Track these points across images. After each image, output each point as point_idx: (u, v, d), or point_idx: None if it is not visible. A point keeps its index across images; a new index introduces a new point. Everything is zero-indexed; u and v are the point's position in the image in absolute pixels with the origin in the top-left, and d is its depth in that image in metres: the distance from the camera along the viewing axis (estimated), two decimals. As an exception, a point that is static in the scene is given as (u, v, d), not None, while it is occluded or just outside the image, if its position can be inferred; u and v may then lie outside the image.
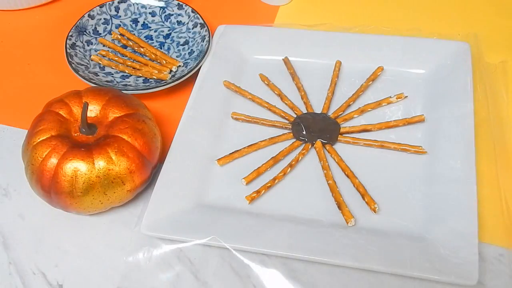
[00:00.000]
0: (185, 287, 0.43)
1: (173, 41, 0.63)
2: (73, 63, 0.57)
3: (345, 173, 0.49)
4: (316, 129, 0.52)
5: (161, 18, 0.64)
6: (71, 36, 0.60)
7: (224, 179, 0.50)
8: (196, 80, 0.56)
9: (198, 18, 0.62)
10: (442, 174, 0.47)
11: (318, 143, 0.51)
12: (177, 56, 0.61)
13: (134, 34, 0.63)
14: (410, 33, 0.58)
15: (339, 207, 0.46)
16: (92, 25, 0.62)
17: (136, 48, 0.62)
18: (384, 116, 0.53)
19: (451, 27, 0.61)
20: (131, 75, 0.59)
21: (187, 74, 0.56)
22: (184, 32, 0.63)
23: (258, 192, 0.47)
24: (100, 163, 0.43)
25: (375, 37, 0.58)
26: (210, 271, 0.44)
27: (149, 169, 0.47)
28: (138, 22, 0.64)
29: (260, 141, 0.51)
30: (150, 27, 0.64)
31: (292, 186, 0.49)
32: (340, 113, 0.54)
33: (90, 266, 0.45)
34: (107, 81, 0.58)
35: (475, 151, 0.47)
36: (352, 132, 0.52)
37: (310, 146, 0.51)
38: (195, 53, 0.59)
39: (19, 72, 0.62)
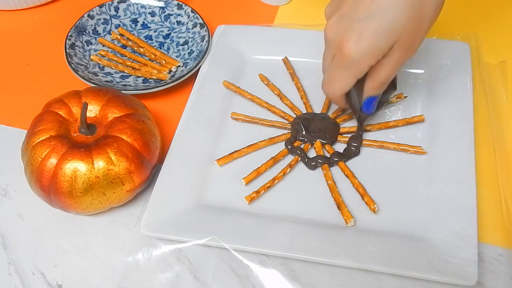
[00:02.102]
0: (184, 287, 0.43)
1: (173, 41, 0.63)
2: (72, 63, 0.57)
3: (344, 173, 0.49)
4: (316, 129, 0.52)
5: (161, 18, 0.64)
6: (71, 36, 0.60)
7: (223, 179, 0.50)
8: (196, 80, 0.56)
9: (198, 18, 0.62)
10: (442, 174, 0.47)
11: (318, 143, 0.51)
12: (176, 56, 0.61)
13: (133, 34, 0.63)
14: (409, 33, 0.58)
15: (339, 207, 0.46)
16: (92, 25, 0.62)
17: (135, 48, 0.62)
18: (383, 116, 0.53)
19: (451, 27, 0.61)
20: (130, 75, 0.59)
21: (186, 74, 0.56)
22: (183, 32, 0.63)
23: (257, 192, 0.47)
24: (100, 163, 0.43)
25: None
26: (209, 272, 0.44)
27: (149, 169, 0.47)
28: (138, 22, 0.64)
29: (260, 141, 0.51)
30: (149, 27, 0.64)
31: (291, 186, 0.49)
32: (340, 113, 0.54)
33: (90, 266, 0.45)
34: (106, 81, 0.58)
35: (475, 151, 0.47)
36: (351, 132, 0.52)
37: (309, 146, 0.51)
38: (195, 53, 0.59)
39: (18, 72, 0.62)
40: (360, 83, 0.46)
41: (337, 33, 0.43)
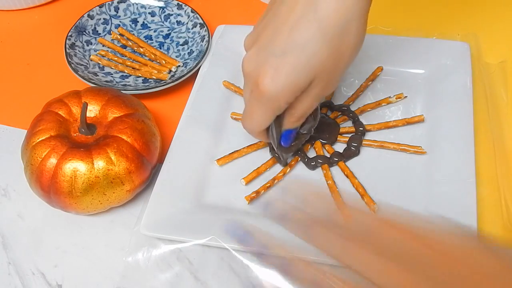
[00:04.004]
0: (184, 287, 0.43)
1: (173, 41, 0.63)
2: (72, 63, 0.57)
3: (344, 173, 0.49)
4: (316, 129, 0.52)
5: (161, 18, 0.64)
6: (71, 36, 0.60)
7: (223, 179, 0.49)
8: (196, 80, 0.56)
9: (198, 18, 0.62)
10: (442, 174, 0.47)
11: (318, 143, 0.51)
12: (176, 56, 0.61)
13: (133, 34, 0.63)
14: (410, 33, 0.58)
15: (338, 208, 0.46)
16: (92, 25, 0.62)
17: (135, 48, 0.62)
18: (383, 116, 0.53)
19: (451, 27, 0.61)
20: (130, 75, 0.59)
21: (186, 74, 0.56)
22: (183, 32, 0.63)
23: (257, 192, 0.47)
24: (100, 163, 0.43)
25: (375, 37, 0.58)
26: (209, 271, 0.44)
27: (149, 169, 0.47)
28: (138, 22, 0.64)
29: (260, 141, 0.51)
30: (149, 27, 0.64)
31: (291, 186, 0.49)
32: (340, 113, 0.53)
33: (90, 266, 0.45)
34: (106, 81, 0.58)
35: (475, 151, 0.47)
36: (351, 132, 0.52)
37: (309, 146, 0.51)
38: (195, 53, 0.59)
39: (18, 72, 0.62)
40: (279, 116, 0.44)
41: (255, 67, 0.40)
